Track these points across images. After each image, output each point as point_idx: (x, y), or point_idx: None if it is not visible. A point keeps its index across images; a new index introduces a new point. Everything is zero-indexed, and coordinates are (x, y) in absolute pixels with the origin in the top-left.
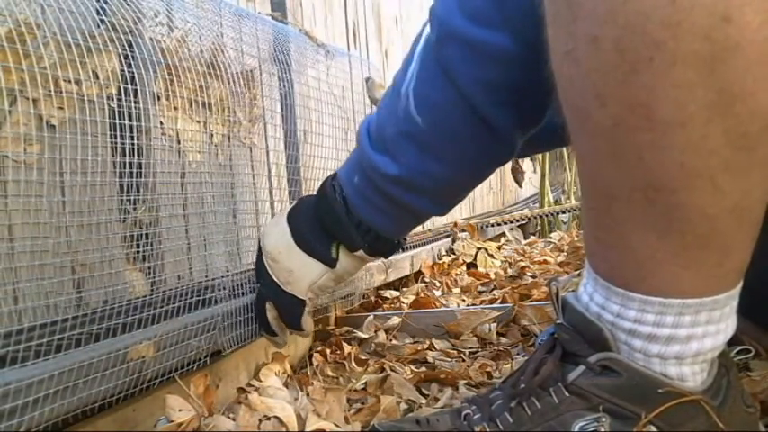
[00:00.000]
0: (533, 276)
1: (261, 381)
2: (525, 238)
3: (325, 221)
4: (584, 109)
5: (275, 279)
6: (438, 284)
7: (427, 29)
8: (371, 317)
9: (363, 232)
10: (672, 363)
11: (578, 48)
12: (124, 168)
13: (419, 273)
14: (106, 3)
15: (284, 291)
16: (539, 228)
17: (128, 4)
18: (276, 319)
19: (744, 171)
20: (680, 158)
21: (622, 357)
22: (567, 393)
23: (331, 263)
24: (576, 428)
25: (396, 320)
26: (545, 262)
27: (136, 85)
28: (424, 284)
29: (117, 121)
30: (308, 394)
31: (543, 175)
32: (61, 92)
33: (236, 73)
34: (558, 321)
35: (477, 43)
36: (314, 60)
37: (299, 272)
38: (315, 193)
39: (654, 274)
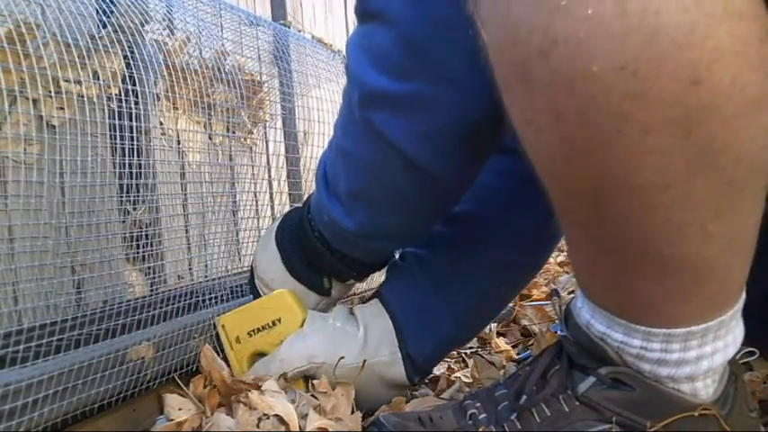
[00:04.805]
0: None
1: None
2: None
3: (309, 257)
4: (558, 174)
5: None
6: None
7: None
8: None
9: (348, 264)
10: (684, 381)
11: (539, 119)
12: (124, 169)
13: None
14: (107, 4)
15: None
16: None
17: (135, 7)
18: None
19: (734, 211)
20: (667, 216)
21: (634, 372)
22: (577, 403)
23: (325, 293)
24: None
25: None
26: None
27: (136, 85)
28: None
29: (117, 122)
30: (312, 386)
31: None
32: (61, 92)
33: (242, 78)
34: (563, 334)
35: (402, 97)
36: (315, 59)
37: None
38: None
39: (656, 311)
